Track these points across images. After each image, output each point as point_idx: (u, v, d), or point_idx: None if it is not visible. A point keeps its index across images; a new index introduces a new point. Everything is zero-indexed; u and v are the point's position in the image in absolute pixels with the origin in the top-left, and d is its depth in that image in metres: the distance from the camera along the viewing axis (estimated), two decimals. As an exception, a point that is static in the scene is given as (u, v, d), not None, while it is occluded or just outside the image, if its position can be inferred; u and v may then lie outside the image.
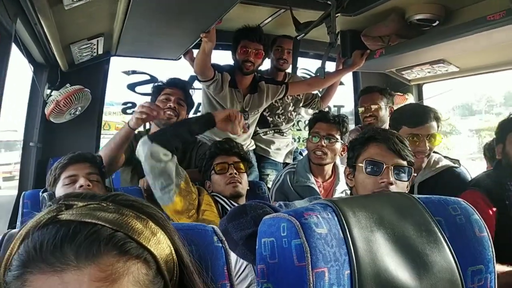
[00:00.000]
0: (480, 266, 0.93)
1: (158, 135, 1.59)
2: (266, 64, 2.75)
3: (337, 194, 2.04)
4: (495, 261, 0.95)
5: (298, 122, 3.76)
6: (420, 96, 3.05)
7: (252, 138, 2.72)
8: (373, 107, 2.52)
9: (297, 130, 3.84)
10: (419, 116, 1.77)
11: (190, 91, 2.22)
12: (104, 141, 2.55)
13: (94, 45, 2.13)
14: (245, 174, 1.81)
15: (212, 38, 2.01)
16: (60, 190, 1.51)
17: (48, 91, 2.26)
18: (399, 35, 2.24)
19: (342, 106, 3.85)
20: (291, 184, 2.05)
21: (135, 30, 1.95)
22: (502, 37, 1.76)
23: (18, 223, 1.65)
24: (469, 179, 1.81)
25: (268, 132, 2.83)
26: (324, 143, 1.99)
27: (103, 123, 2.74)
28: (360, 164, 1.36)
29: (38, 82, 2.21)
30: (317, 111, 2.78)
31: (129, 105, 3.36)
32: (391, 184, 1.28)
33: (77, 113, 2.34)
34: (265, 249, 0.86)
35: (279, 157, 2.84)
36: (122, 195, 0.59)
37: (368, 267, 0.84)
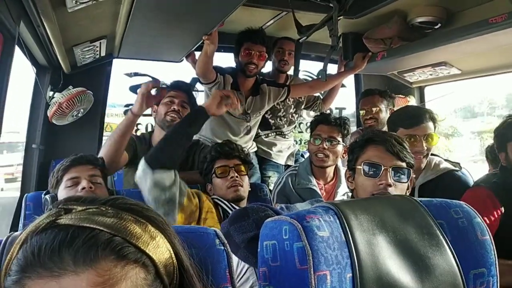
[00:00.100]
0: (482, 269, 0.93)
1: (156, 155, 1.49)
2: (268, 67, 2.75)
3: (339, 197, 2.04)
4: (497, 264, 0.95)
5: (299, 124, 3.76)
6: (422, 98, 3.04)
7: (253, 140, 2.72)
8: (374, 109, 2.52)
9: (299, 132, 3.83)
10: (415, 117, 1.80)
11: (193, 93, 2.23)
12: (106, 143, 2.55)
13: (97, 47, 2.13)
14: (246, 176, 1.80)
15: (214, 40, 2.01)
16: (62, 192, 1.51)
17: (51, 93, 2.26)
18: (401, 38, 2.23)
19: (344, 108, 3.85)
20: (293, 186, 2.05)
21: (137, 32, 1.96)
22: (504, 39, 1.76)
23: (21, 225, 1.65)
24: (470, 182, 1.81)
25: (269, 134, 2.82)
26: (326, 145, 1.99)
27: (105, 125, 2.75)
28: (359, 167, 1.36)
29: (40, 84, 2.22)
30: (318, 113, 2.79)
31: (131, 107, 3.36)
32: (390, 186, 1.28)
33: (79, 115, 2.34)
34: (267, 252, 0.86)
35: (281, 159, 2.84)
36: (121, 199, 0.59)
37: (370, 270, 0.84)
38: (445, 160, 1.91)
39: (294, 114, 2.87)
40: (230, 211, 1.62)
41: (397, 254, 0.89)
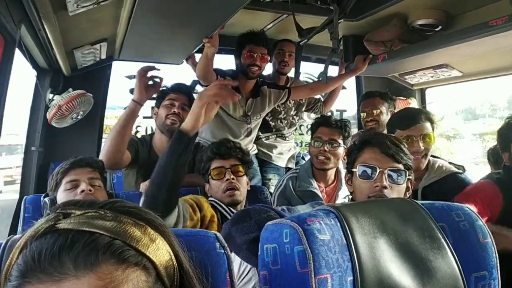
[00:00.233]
0: (484, 272, 0.92)
1: (152, 204, 1.18)
2: (268, 69, 2.76)
3: (340, 199, 2.03)
4: (499, 267, 0.94)
5: (300, 126, 3.76)
6: (423, 100, 3.04)
7: (254, 142, 2.72)
8: (375, 111, 2.53)
9: (299, 134, 3.83)
10: (410, 118, 1.83)
11: (194, 95, 2.22)
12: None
13: (97, 50, 2.14)
14: (244, 177, 1.72)
15: (215, 43, 2.01)
16: (61, 195, 1.51)
17: (51, 95, 2.26)
18: (401, 40, 2.24)
19: (345, 111, 3.85)
20: (294, 189, 2.04)
21: (138, 35, 1.96)
22: (504, 42, 1.76)
23: (20, 228, 1.65)
24: None
25: (270, 137, 2.82)
26: (327, 148, 1.99)
27: (104, 128, 2.74)
28: (355, 169, 1.36)
29: (41, 86, 2.22)
30: (319, 115, 2.79)
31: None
32: (385, 188, 1.28)
33: (79, 117, 2.34)
34: (267, 255, 0.86)
35: (281, 162, 2.84)
36: (120, 202, 0.59)
37: (371, 273, 0.84)
38: (449, 163, 1.92)
39: (294, 116, 2.87)
40: (228, 216, 1.60)
41: (398, 257, 0.88)
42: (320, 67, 3.01)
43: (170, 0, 1.53)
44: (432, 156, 1.90)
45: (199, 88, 2.81)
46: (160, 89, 2.12)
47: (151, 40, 2.11)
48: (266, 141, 2.81)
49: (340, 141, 2.01)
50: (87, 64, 2.35)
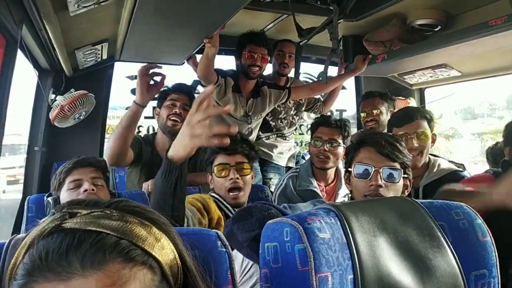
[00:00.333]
0: (484, 271, 0.93)
1: None
2: (268, 69, 2.76)
3: (340, 198, 2.04)
4: (498, 265, 0.95)
5: (300, 126, 3.77)
6: (422, 100, 3.05)
7: (255, 142, 2.72)
8: (374, 111, 2.54)
9: (300, 134, 3.84)
10: (405, 116, 1.87)
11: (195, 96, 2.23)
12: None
13: (99, 50, 2.15)
14: (248, 176, 1.63)
15: (215, 43, 2.01)
16: (64, 195, 1.52)
17: (53, 96, 2.28)
18: (401, 40, 2.25)
19: (344, 110, 3.86)
20: (294, 188, 2.05)
21: (139, 35, 1.97)
22: (504, 41, 1.77)
23: (23, 227, 1.65)
24: None
25: (270, 137, 2.83)
26: (327, 147, 2.00)
27: (107, 128, 2.76)
28: (351, 169, 1.38)
29: (43, 87, 2.23)
30: (319, 115, 2.80)
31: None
32: (381, 186, 1.29)
33: (81, 117, 2.35)
34: (268, 253, 0.86)
35: (282, 161, 2.85)
36: (125, 201, 0.59)
37: (371, 271, 0.85)
38: (450, 161, 1.94)
39: (294, 116, 2.88)
40: (231, 215, 1.60)
41: (398, 255, 0.89)
42: (319, 68, 3.03)
43: (170, 0, 1.54)
44: (432, 155, 1.91)
45: (200, 88, 2.82)
46: (162, 89, 2.12)
47: (152, 41, 2.12)
48: (266, 141, 2.82)
49: (340, 141, 2.02)
50: (89, 65, 2.36)
